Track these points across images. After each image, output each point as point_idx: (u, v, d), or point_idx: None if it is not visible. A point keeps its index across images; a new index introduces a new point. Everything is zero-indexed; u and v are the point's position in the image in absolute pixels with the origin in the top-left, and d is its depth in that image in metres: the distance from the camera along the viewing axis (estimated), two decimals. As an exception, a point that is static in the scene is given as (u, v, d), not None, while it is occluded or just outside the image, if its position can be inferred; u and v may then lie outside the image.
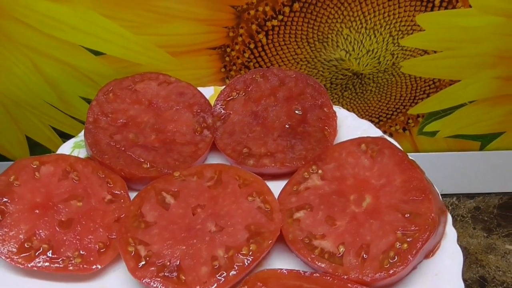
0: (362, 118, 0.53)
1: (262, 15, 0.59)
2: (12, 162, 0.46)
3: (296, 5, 0.58)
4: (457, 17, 0.59)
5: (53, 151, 0.69)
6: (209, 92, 0.55)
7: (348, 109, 0.55)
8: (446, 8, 0.58)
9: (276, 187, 0.45)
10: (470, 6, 0.58)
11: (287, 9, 0.59)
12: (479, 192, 0.72)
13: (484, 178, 0.72)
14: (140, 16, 0.59)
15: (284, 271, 0.40)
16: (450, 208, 0.71)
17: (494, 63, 0.63)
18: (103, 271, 0.42)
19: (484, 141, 0.70)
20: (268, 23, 0.60)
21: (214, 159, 0.50)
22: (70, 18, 0.59)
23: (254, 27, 0.60)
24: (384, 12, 0.59)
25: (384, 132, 0.52)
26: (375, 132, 0.51)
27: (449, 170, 0.71)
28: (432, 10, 0.59)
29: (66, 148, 0.51)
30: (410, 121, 0.68)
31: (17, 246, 0.42)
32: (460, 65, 0.63)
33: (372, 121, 0.54)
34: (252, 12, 0.59)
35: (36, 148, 0.70)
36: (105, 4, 0.58)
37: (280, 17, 0.59)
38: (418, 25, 0.60)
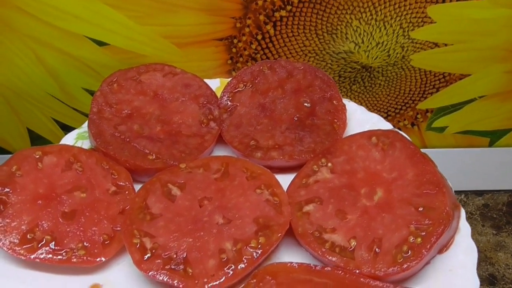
0: (370, 112, 0.53)
1: (270, 5, 0.58)
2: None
3: (305, -4, 0.58)
4: (469, 9, 0.58)
5: (55, 144, 0.69)
6: (215, 84, 0.55)
7: (356, 103, 0.54)
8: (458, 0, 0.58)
9: (284, 180, 0.45)
10: (482, -2, 0.57)
11: (295, 0, 0.58)
12: (488, 189, 0.72)
13: (493, 175, 0.71)
14: (145, 6, 0.58)
15: (294, 265, 0.39)
16: (459, 202, 0.70)
17: (505, 57, 0.62)
18: (107, 263, 0.42)
19: (493, 137, 0.70)
20: (276, 14, 0.59)
21: (221, 152, 0.50)
22: (74, 7, 0.58)
23: (262, 17, 0.59)
24: (395, 3, 0.58)
25: (393, 126, 0.51)
26: (385, 125, 0.51)
27: (457, 167, 0.70)
28: (443, 1, 0.58)
29: (69, 139, 0.51)
30: (419, 116, 0.68)
31: (19, 237, 0.41)
32: (471, 59, 0.62)
33: (380, 116, 0.53)
34: (260, 2, 0.58)
35: (37, 141, 0.69)
36: (109, -7, 0.57)
37: (289, 7, 0.59)
38: (429, 17, 0.59)
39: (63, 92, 0.65)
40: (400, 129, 0.68)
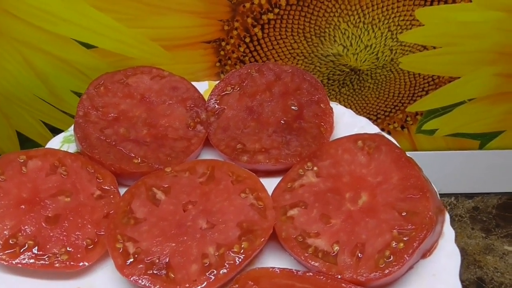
0: (360, 115, 0.53)
1: (258, 8, 0.58)
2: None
3: (293, -2, 0.58)
4: (457, 12, 0.58)
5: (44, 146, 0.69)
6: (204, 87, 0.55)
7: (345, 106, 0.54)
8: (446, 2, 0.58)
9: (270, 184, 0.45)
10: (471, 1, 0.57)
11: (283, 2, 0.58)
12: (478, 192, 0.72)
13: (483, 177, 0.71)
14: (133, 8, 0.58)
15: (276, 270, 0.39)
16: (448, 208, 0.70)
17: (494, 60, 0.62)
18: (91, 268, 0.41)
19: (483, 140, 0.69)
20: (264, 17, 0.59)
21: (208, 155, 0.50)
22: (61, 10, 0.58)
23: (249, 20, 0.59)
24: (383, 6, 0.58)
25: (382, 130, 0.51)
26: (373, 129, 0.51)
27: (447, 169, 0.70)
28: (431, 4, 0.58)
29: (55, 143, 0.51)
30: (409, 119, 0.68)
31: (1, 242, 0.41)
32: (460, 62, 0.62)
33: (369, 119, 0.53)
34: (247, 5, 0.58)
35: (27, 144, 0.69)
36: (97, -4, 0.57)
37: (276, 10, 0.58)
38: (417, 20, 0.59)
39: (52, 95, 0.65)
40: (389, 132, 0.68)
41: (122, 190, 0.45)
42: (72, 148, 0.50)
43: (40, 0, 0.57)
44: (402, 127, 0.68)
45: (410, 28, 0.60)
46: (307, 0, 0.57)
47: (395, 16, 0.59)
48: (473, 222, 0.69)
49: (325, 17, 0.59)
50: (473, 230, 0.68)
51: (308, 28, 0.60)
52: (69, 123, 0.64)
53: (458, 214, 0.69)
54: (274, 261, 0.42)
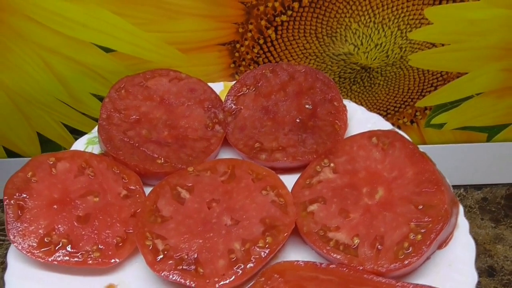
0: (370, 111, 0.53)
1: (272, 10, 0.59)
2: (23, 159, 0.47)
3: (305, 0, 0.58)
4: (465, 10, 0.59)
5: (64, 147, 0.70)
6: (219, 87, 0.56)
7: (356, 103, 0.55)
8: (454, 1, 0.58)
9: (288, 180, 0.46)
10: (478, -1, 0.58)
11: (296, 5, 0.59)
12: (486, 183, 0.72)
13: (491, 169, 0.71)
14: (149, 13, 0.59)
15: (301, 263, 0.40)
16: (457, 199, 0.70)
17: (500, 56, 0.63)
18: (121, 264, 0.43)
19: (491, 132, 0.70)
20: (277, 19, 0.60)
21: (226, 154, 0.51)
22: (80, 15, 0.59)
23: (263, 22, 0.60)
24: (393, 6, 0.59)
25: (392, 125, 0.52)
26: (385, 125, 0.51)
27: (456, 162, 0.71)
28: (440, 3, 0.59)
29: (79, 145, 0.52)
30: (418, 113, 0.68)
31: (37, 240, 0.42)
32: (468, 58, 0.63)
33: (380, 114, 0.54)
34: (261, 8, 0.59)
35: (47, 145, 0.70)
36: (114, 1, 0.58)
37: (289, 12, 0.59)
38: (426, 19, 0.59)
39: (71, 98, 0.66)
40: (399, 127, 0.69)
41: (147, 190, 0.46)
42: (96, 149, 0.51)
43: (60, 6, 0.58)
44: (412, 122, 0.69)
45: (420, 27, 0.60)
46: (319, 2, 0.58)
47: (404, 15, 0.59)
48: (482, 213, 0.69)
49: (336, 18, 0.59)
50: (483, 220, 0.68)
51: (320, 29, 0.60)
52: (89, 125, 0.66)
53: (467, 205, 0.70)
54: (296, 255, 0.43)
